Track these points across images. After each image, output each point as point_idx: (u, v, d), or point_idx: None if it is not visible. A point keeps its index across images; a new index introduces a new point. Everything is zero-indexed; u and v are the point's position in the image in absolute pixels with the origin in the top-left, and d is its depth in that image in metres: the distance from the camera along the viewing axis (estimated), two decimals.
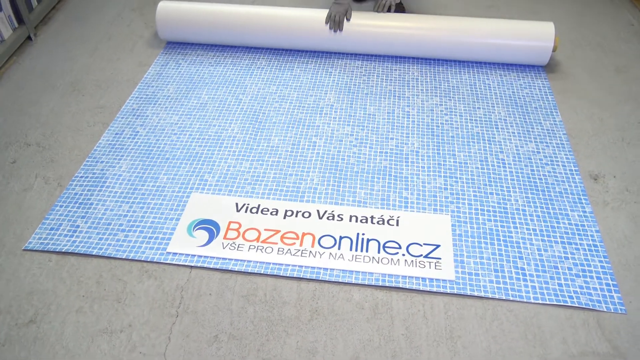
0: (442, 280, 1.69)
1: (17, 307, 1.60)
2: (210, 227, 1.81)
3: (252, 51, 2.57)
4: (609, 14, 2.81)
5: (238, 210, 1.87)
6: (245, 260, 1.73)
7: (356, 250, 1.75)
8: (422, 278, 1.69)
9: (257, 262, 1.72)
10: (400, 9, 2.61)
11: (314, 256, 1.73)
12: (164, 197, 1.92)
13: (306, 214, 1.86)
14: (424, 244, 1.78)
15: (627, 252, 1.76)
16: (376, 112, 2.26)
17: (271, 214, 1.86)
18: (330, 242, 1.78)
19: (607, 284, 1.68)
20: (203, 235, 1.79)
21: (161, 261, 1.72)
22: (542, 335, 1.56)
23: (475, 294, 1.66)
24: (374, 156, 2.08)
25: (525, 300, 1.65)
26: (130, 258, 1.74)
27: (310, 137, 2.14)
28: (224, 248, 1.76)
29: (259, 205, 1.88)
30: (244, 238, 1.78)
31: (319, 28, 2.37)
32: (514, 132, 2.17)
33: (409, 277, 1.69)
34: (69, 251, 1.75)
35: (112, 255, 1.74)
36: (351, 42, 2.40)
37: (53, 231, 1.81)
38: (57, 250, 1.75)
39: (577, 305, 1.63)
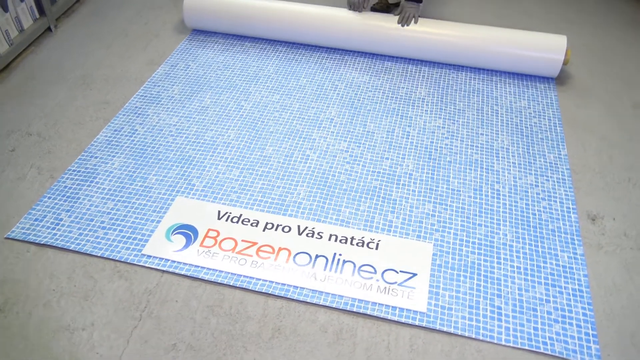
0: (413, 311, 1.63)
1: None
2: (188, 233, 1.79)
3: (261, 57, 2.54)
4: (638, 47, 2.68)
5: (219, 218, 1.84)
6: (217, 270, 1.70)
7: (330, 270, 1.71)
8: (392, 307, 1.63)
9: (229, 272, 1.69)
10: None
11: (287, 272, 1.69)
12: (149, 198, 1.91)
13: (286, 229, 1.82)
14: (401, 271, 1.72)
15: (614, 300, 1.66)
16: (376, 130, 2.21)
17: (251, 225, 1.83)
18: (305, 259, 1.74)
19: (587, 334, 1.59)
20: (180, 240, 1.77)
21: (135, 262, 1.71)
22: None
23: (445, 329, 1.59)
24: (365, 175, 2.03)
25: (496, 341, 1.57)
26: (105, 256, 1.73)
27: (304, 149, 2.10)
28: (198, 255, 1.73)
29: (240, 215, 1.86)
30: (220, 247, 1.75)
31: (341, 26, 2.43)
32: (515, 163, 2.09)
33: (379, 304, 1.64)
34: (48, 243, 1.75)
35: (88, 252, 1.74)
36: (362, 41, 2.44)
37: (37, 222, 1.82)
38: (36, 241, 1.76)
39: (550, 353, 1.55)
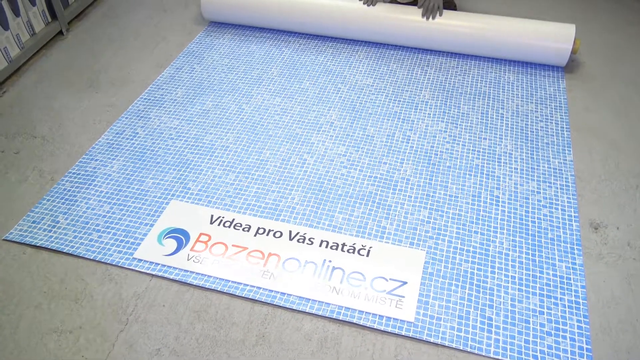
0: (400, 320, 1.58)
1: None
2: (180, 237, 1.78)
3: (265, 60, 2.52)
4: None
5: (212, 223, 1.83)
6: (205, 275, 1.69)
7: (319, 277, 1.67)
8: (379, 315, 1.59)
9: (217, 278, 1.68)
10: (451, 6, 2.50)
11: (275, 278, 1.67)
12: (144, 201, 1.91)
13: (277, 234, 1.80)
14: (391, 279, 1.68)
15: (612, 314, 1.59)
16: (375, 134, 2.17)
17: (243, 229, 1.81)
18: (294, 265, 1.71)
19: (580, 347, 1.52)
20: (171, 244, 1.77)
21: (125, 266, 1.71)
22: None
23: (432, 339, 1.55)
24: (362, 180, 1.99)
25: (484, 353, 1.52)
26: (97, 259, 1.73)
27: (302, 154, 2.08)
28: (188, 260, 1.72)
29: (233, 220, 1.84)
30: (210, 252, 1.74)
31: (355, 17, 2.45)
32: (517, 168, 2.02)
33: (365, 312, 1.60)
34: (44, 246, 1.76)
35: (81, 255, 1.75)
36: (372, 31, 2.46)
37: (34, 224, 1.84)
38: (33, 243, 1.77)
39: None
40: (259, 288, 1.66)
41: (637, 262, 1.72)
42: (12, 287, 1.68)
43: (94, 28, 2.77)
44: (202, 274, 1.69)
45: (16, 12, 2.45)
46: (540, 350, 1.52)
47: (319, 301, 1.62)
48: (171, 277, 1.69)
